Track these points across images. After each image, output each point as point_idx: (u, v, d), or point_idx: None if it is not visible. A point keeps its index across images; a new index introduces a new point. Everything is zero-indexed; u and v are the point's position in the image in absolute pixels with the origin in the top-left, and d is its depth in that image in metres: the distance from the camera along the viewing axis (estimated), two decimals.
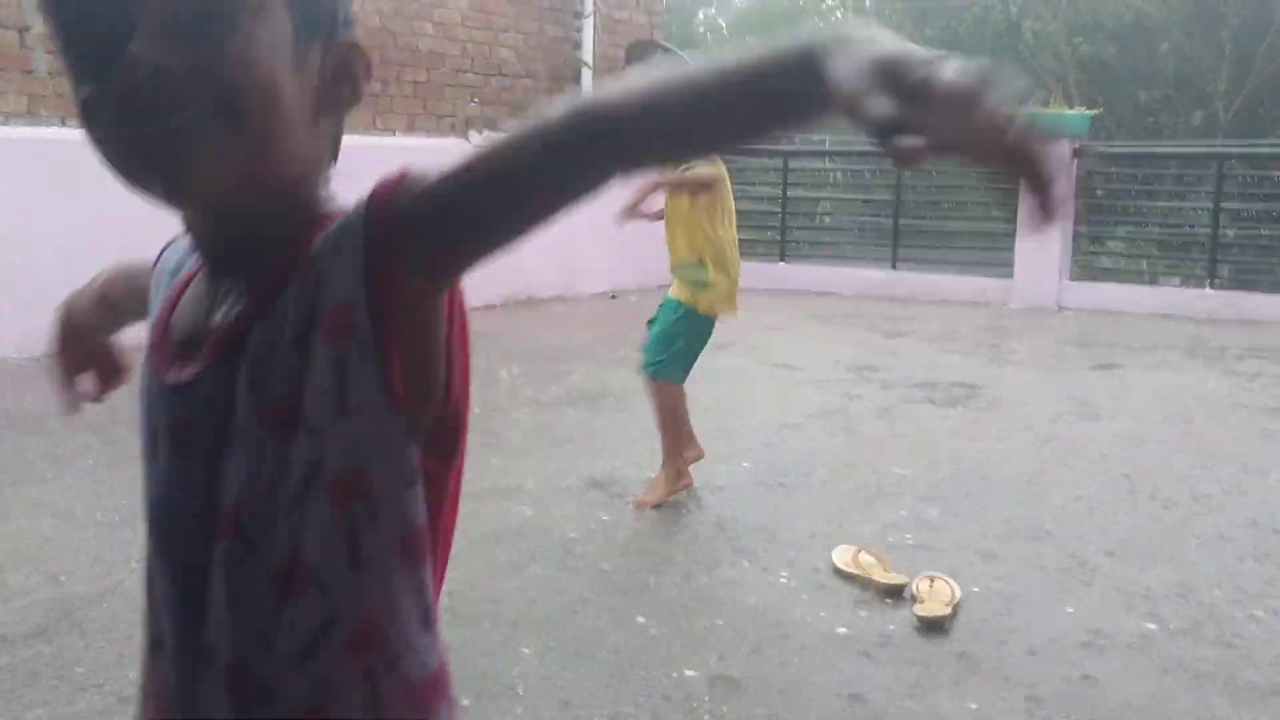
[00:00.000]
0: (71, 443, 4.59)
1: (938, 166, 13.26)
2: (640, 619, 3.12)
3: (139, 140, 0.78)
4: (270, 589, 0.82)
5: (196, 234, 0.88)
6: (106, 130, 0.79)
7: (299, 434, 0.80)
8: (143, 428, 0.90)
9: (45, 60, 6.80)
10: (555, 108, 0.75)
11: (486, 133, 9.52)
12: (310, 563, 0.81)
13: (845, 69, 0.61)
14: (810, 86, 0.64)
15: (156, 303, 0.94)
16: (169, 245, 0.97)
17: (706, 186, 3.95)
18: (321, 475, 0.80)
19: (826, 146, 14.20)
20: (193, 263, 0.91)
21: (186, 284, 0.91)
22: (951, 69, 0.58)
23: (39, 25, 6.72)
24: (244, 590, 0.82)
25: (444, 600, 2.94)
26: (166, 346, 0.89)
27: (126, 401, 1.01)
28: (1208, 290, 9.55)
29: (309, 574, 0.81)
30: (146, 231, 1.35)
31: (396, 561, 0.84)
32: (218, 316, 0.85)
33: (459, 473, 0.91)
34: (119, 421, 5.07)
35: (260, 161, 0.82)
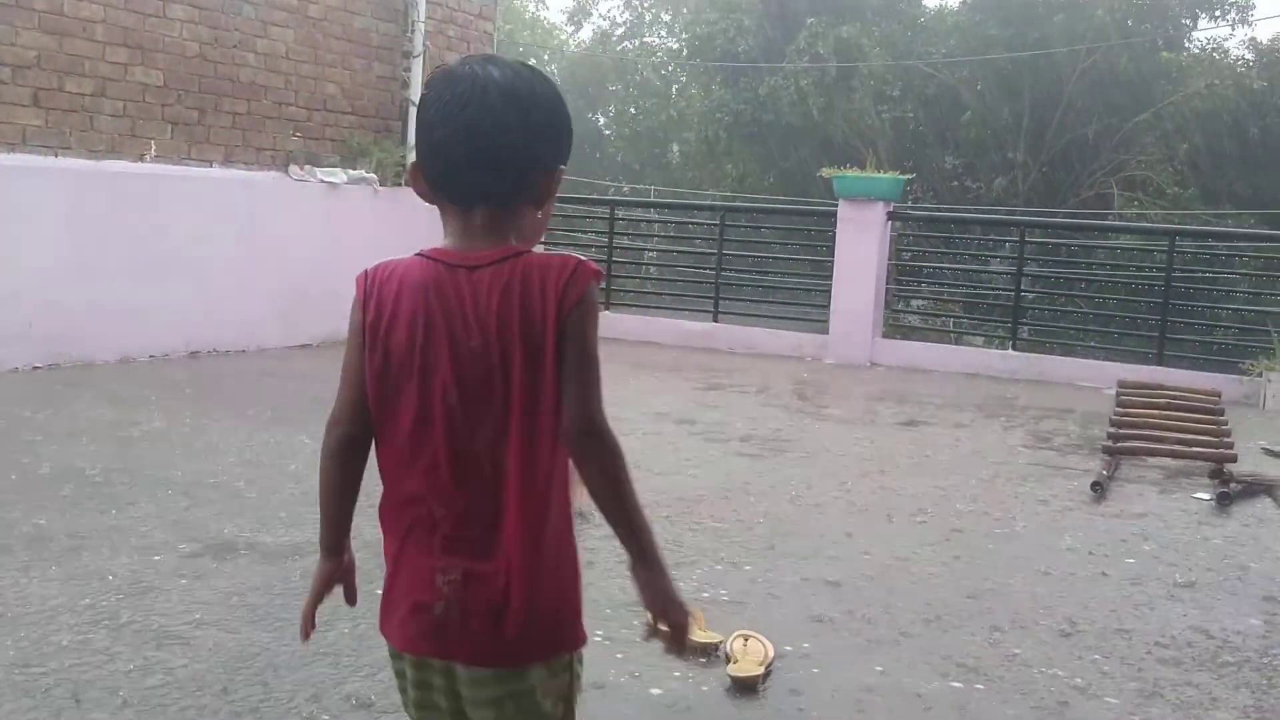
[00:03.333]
0: None
1: (759, 223, 13.58)
2: None
3: None
4: None
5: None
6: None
7: None
8: None
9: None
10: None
11: (308, 167, 9.27)
12: None
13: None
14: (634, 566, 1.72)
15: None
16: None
17: None
18: None
19: (652, 196, 14.34)
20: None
21: None
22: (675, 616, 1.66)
23: None
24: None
25: (246, 658, 2.71)
26: None
27: None
28: (1010, 351, 10.01)
29: None
30: None
31: None
32: None
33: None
34: None
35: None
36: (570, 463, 1.63)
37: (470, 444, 1.61)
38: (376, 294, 1.65)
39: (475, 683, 1.64)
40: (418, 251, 1.65)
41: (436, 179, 1.65)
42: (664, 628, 1.66)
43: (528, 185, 1.65)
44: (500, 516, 1.62)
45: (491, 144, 1.60)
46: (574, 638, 1.70)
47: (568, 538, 1.69)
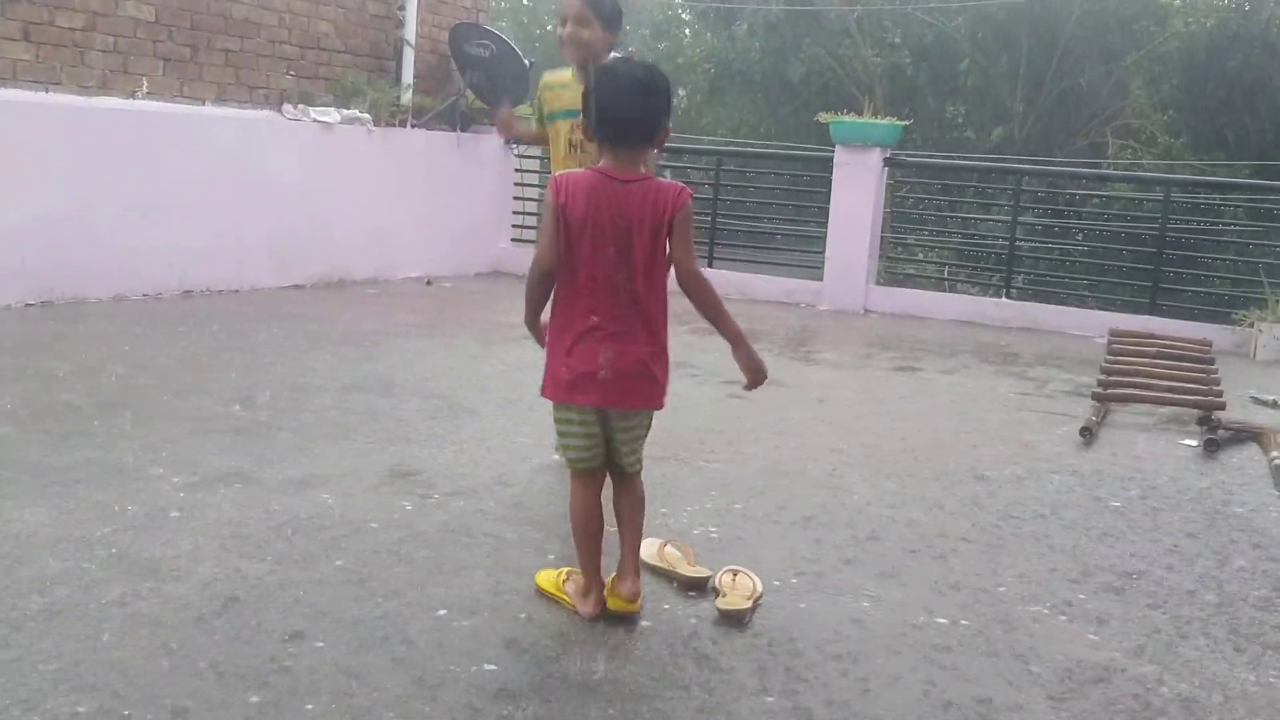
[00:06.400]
0: None
1: (755, 169, 13.53)
2: (442, 611, 3.06)
3: None
4: None
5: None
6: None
7: None
8: None
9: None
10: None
11: (301, 106, 9.20)
12: None
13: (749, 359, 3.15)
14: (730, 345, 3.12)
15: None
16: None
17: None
18: None
19: None
20: None
21: None
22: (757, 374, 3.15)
23: None
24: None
25: (234, 591, 2.75)
26: None
27: None
28: (1003, 300, 10.02)
29: None
30: None
31: None
32: None
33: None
34: None
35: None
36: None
37: (616, 278, 2.92)
38: (564, 188, 2.90)
39: (620, 418, 3.05)
40: (590, 170, 2.95)
41: (602, 130, 2.91)
42: (751, 378, 3.12)
43: (651, 134, 2.94)
44: (636, 322, 2.97)
45: (634, 110, 2.91)
46: (662, 397, 3.08)
47: (666, 340, 3.06)
